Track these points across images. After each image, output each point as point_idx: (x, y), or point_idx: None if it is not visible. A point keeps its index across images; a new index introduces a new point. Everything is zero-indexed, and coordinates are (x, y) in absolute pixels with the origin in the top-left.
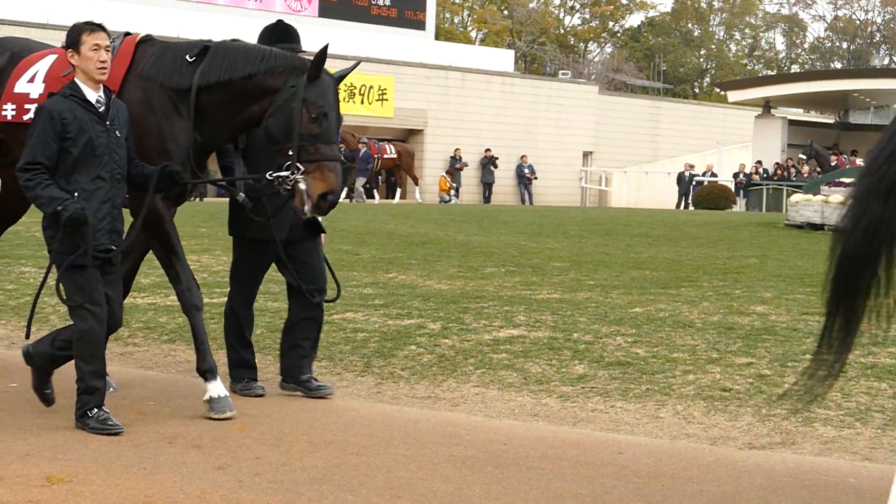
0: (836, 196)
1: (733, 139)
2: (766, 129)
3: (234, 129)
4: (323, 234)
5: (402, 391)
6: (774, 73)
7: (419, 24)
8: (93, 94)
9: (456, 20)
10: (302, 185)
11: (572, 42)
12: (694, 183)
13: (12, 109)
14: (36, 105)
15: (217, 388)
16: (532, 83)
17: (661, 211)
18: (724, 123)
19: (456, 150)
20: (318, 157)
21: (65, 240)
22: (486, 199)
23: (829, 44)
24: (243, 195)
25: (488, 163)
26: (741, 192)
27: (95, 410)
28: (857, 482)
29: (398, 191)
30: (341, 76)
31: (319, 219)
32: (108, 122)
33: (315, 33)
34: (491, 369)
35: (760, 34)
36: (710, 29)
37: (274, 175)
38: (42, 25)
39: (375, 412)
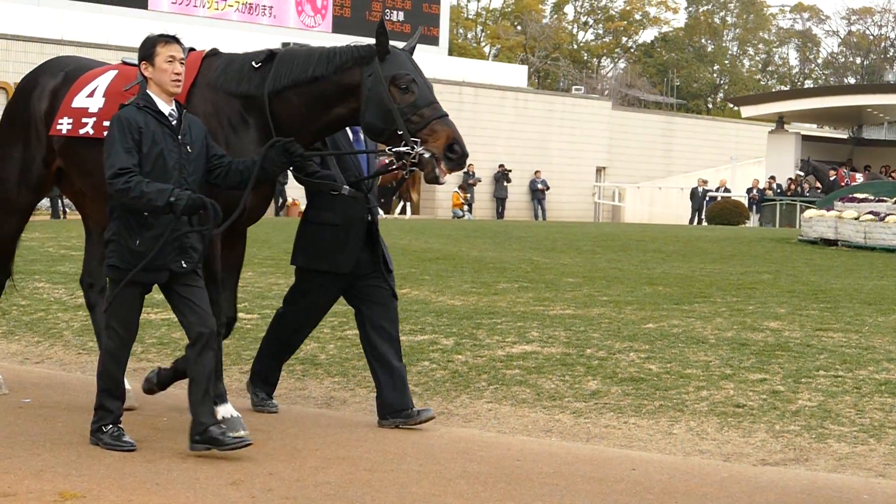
0: (850, 212)
1: (747, 154)
2: (779, 145)
3: (313, 134)
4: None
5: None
6: (788, 88)
7: (433, 40)
8: (165, 107)
9: (469, 36)
10: (426, 154)
11: (585, 57)
12: (707, 198)
13: (68, 123)
14: (94, 119)
15: (227, 409)
16: (545, 98)
17: (675, 226)
18: (737, 139)
19: (469, 165)
20: (424, 121)
21: (124, 255)
22: (500, 215)
23: (843, 59)
24: (348, 188)
25: (501, 177)
26: (754, 207)
27: (110, 426)
28: (870, 499)
29: (407, 205)
30: (411, 48)
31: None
32: (179, 137)
33: None
34: (504, 385)
35: (774, 49)
36: (724, 44)
37: (394, 150)
38: (58, 41)
39: (388, 428)
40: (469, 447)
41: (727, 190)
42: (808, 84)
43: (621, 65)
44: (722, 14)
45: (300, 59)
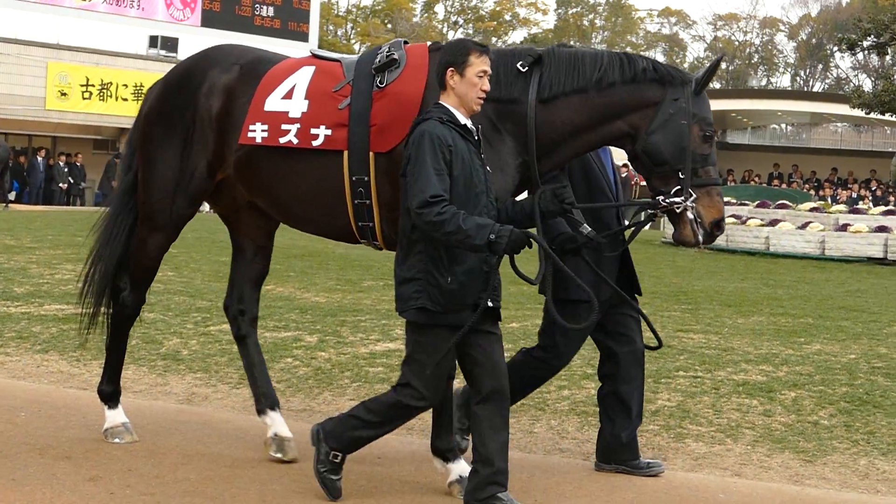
0: None
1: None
2: None
3: (573, 149)
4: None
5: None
6: None
7: (302, 36)
8: (467, 122)
9: (339, 32)
10: (690, 214)
11: None
12: None
13: (263, 130)
14: (297, 126)
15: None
16: None
17: None
18: None
19: None
20: (708, 181)
21: (434, 295)
22: None
23: (709, 64)
24: (588, 227)
25: None
26: None
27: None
28: (726, 498)
29: None
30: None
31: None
32: (482, 155)
33: (197, 42)
34: (367, 383)
35: (642, 53)
36: (592, 46)
37: (669, 200)
38: None
39: (249, 425)
40: None
41: None
42: None
43: None
44: (591, 17)
45: (580, 62)
